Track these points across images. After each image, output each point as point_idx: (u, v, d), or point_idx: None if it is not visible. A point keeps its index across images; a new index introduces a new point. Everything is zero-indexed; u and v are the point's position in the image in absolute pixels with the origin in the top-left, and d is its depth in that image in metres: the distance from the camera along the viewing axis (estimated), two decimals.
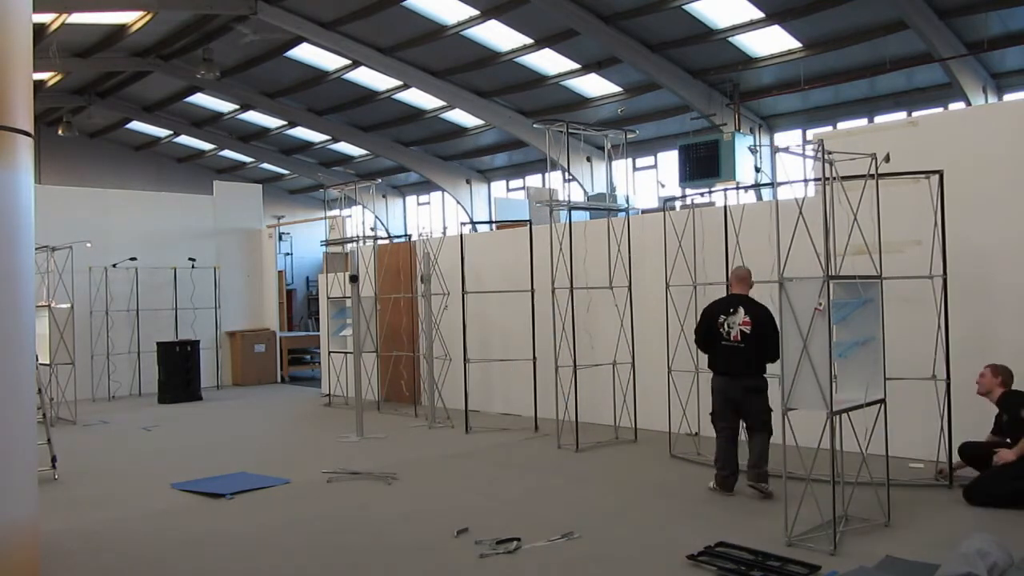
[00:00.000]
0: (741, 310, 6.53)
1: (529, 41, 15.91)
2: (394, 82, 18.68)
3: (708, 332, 6.71)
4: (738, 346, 6.47)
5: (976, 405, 6.96)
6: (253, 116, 22.47)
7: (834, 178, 5.64)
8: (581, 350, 9.12)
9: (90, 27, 16.82)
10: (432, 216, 26.10)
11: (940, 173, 6.56)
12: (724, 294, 7.24)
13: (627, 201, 11.54)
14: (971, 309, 7.05)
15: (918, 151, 7.18)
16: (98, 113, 22.50)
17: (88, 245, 12.34)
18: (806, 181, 6.33)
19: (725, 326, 6.57)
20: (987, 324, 7.14)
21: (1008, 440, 6.28)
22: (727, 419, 6.63)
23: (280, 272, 18.68)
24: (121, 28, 17.00)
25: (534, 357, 9.81)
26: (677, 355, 8.12)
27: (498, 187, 24.01)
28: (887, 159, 5.84)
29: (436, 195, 25.93)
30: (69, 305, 11.58)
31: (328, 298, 13.09)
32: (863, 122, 14.91)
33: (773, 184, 5.87)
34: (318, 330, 16.53)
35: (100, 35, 17.33)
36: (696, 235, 8.31)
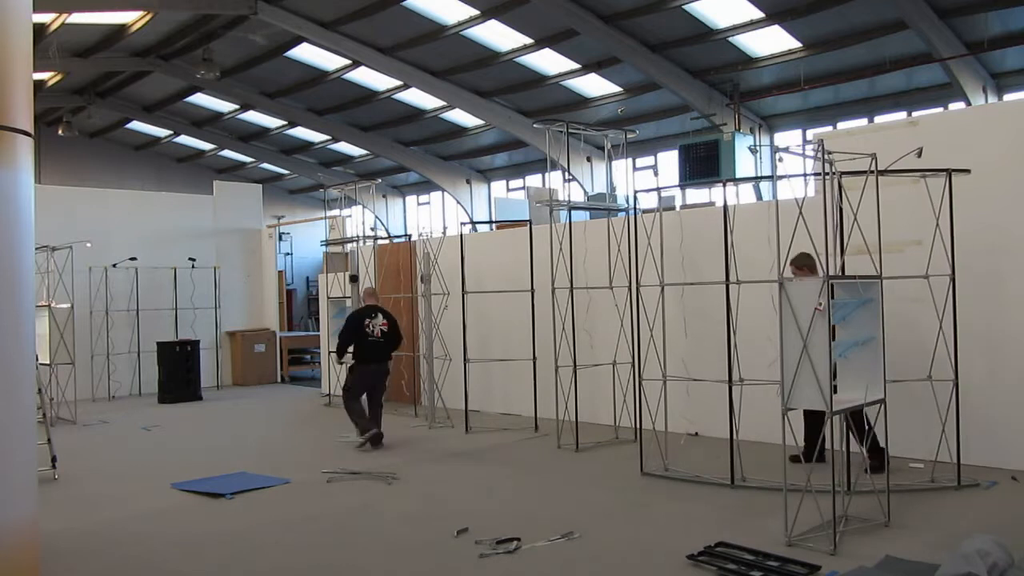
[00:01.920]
0: (379, 316, 9.43)
1: (529, 41, 15.90)
2: (394, 82, 18.67)
3: (357, 331, 9.34)
4: (379, 341, 9.32)
5: (981, 405, 6.97)
6: (253, 116, 22.45)
7: (835, 172, 5.64)
8: (581, 350, 9.12)
9: (90, 27, 16.81)
10: (432, 216, 26.08)
11: (949, 172, 6.55)
12: (722, 293, 7.21)
13: (627, 201, 11.50)
14: (973, 309, 7.04)
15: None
16: (98, 113, 22.47)
17: (88, 245, 12.34)
18: (805, 175, 6.32)
19: (370, 327, 9.28)
20: (989, 324, 7.13)
21: None
22: (365, 394, 9.50)
23: (280, 272, 18.68)
24: (121, 28, 17.00)
25: (534, 357, 9.80)
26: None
27: (498, 187, 24.00)
28: (919, 154, 5.87)
29: (436, 195, 25.91)
30: (69, 305, 11.57)
31: (328, 298, 13.09)
32: (863, 122, 14.89)
33: (773, 177, 5.84)
34: (318, 330, 16.53)
35: (100, 35, 17.32)
36: (695, 235, 8.30)
